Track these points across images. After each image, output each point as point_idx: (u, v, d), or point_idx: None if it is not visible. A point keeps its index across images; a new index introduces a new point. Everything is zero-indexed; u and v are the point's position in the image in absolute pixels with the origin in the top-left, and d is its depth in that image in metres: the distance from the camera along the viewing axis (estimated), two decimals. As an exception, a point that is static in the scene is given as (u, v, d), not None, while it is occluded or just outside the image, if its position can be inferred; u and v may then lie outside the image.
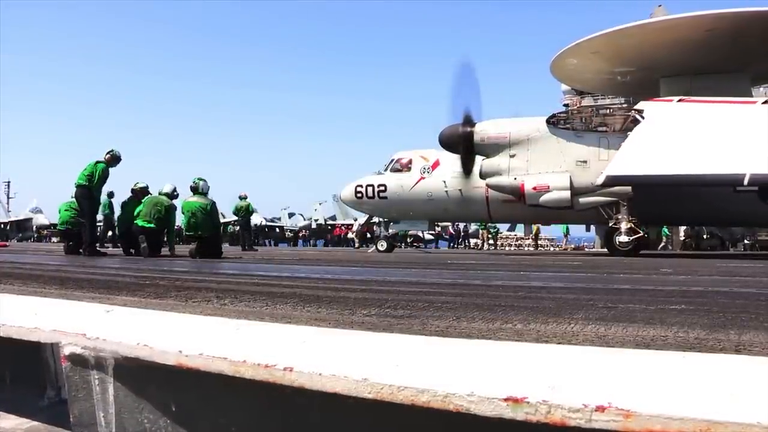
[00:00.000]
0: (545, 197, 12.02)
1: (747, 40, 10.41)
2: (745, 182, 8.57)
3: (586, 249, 27.86)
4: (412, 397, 1.14)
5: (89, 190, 9.91)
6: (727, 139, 9.34)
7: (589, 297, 3.01)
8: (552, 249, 34.26)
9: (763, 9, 10.12)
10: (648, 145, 10.10)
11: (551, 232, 34.36)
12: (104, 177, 10.04)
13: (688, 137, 9.74)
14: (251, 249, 16.69)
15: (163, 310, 2.16)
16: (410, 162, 14.72)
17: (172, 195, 10.36)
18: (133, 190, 11.01)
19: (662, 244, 23.66)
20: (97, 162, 10.00)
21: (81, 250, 10.15)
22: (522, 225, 17.18)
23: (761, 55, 11.02)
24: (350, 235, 34.96)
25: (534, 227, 27.58)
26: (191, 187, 9.90)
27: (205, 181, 10.01)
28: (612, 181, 10.25)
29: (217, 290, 3.22)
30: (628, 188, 11.52)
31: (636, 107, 11.52)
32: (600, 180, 10.50)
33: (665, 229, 22.96)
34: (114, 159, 10.19)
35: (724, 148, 9.11)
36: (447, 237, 33.55)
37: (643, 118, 10.84)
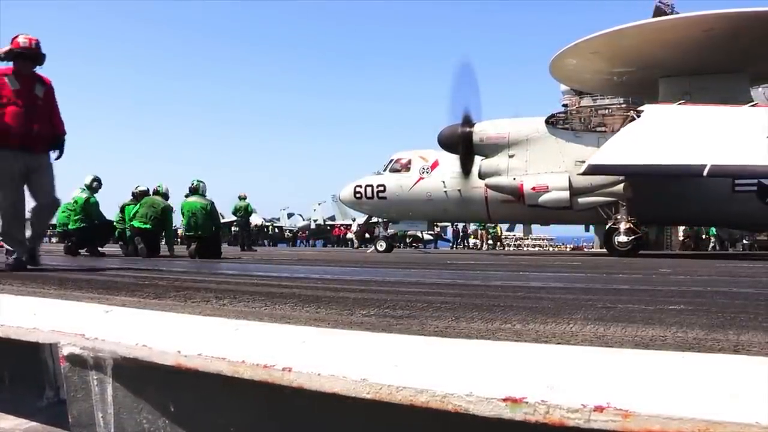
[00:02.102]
0: (544, 197, 12.03)
1: (746, 40, 10.43)
2: (705, 173, 9.15)
3: (585, 249, 27.90)
4: (411, 397, 1.14)
5: (90, 224, 10.19)
6: (701, 136, 9.83)
7: (588, 297, 3.01)
8: (551, 249, 34.30)
9: (762, 9, 10.14)
10: (630, 139, 10.47)
11: (550, 231, 34.39)
12: (98, 206, 10.51)
13: (667, 134, 10.18)
14: (250, 249, 16.70)
15: (162, 310, 2.15)
16: (409, 162, 14.73)
17: (166, 195, 10.49)
18: (133, 194, 11.07)
19: (711, 244, 23.18)
20: (88, 198, 10.32)
21: (80, 251, 10.21)
22: (522, 225, 17.19)
23: (760, 55, 11.04)
24: (349, 235, 34.99)
25: (498, 227, 27.45)
26: (190, 188, 9.93)
27: (203, 182, 10.05)
28: (593, 170, 10.66)
29: (216, 290, 3.22)
30: (628, 188, 11.56)
31: (639, 108, 11.60)
32: (582, 169, 10.81)
33: (713, 230, 22.34)
34: (99, 186, 10.57)
35: (695, 144, 9.64)
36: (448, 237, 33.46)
37: (638, 117, 11.03)
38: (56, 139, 5.23)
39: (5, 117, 4.84)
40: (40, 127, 5.02)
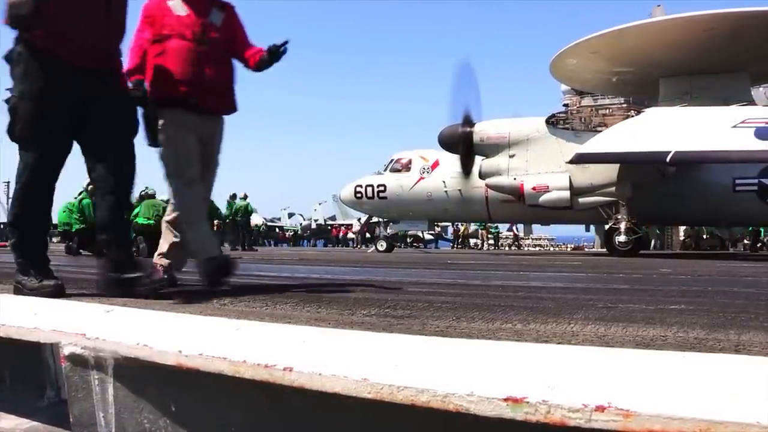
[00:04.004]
0: (545, 197, 12.02)
1: (746, 39, 10.44)
2: (668, 159, 9.50)
3: (586, 249, 27.90)
4: (412, 397, 1.14)
5: (90, 225, 10.24)
6: (672, 128, 10.03)
7: (589, 297, 3.01)
8: (552, 249, 34.28)
9: (762, 9, 10.14)
10: (616, 133, 10.65)
11: (551, 231, 34.37)
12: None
13: (648, 128, 10.34)
14: (251, 249, 16.70)
15: (163, 309, 2.15)
16: (410, 162, 14.72)
17: (153, 196, 10.78)
18: (141, 195, 11.14)
19: (760, 244, 22.76)
20: (81, 199, 10.48)
21: (81, 251, 10.24)
22: (522, 225, 17.20)
23: (761, 55, 11.04)
24: (350, 235, 35.01)
25: (464, 225, 27.08)
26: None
27: None
28: (578, 158, 10.89)
29: (217, 290, 3.22)
30: (628, 188, 11.57)
31: (642, 109, 11.64)
32: (568, 158, 10.99)
33: (762, 230, 21.50)
34: None
35: (665, 135, 9.87)
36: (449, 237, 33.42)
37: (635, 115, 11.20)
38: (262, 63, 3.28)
39: (167, 56, 3.08)
40: (217, 73, 3.20)
